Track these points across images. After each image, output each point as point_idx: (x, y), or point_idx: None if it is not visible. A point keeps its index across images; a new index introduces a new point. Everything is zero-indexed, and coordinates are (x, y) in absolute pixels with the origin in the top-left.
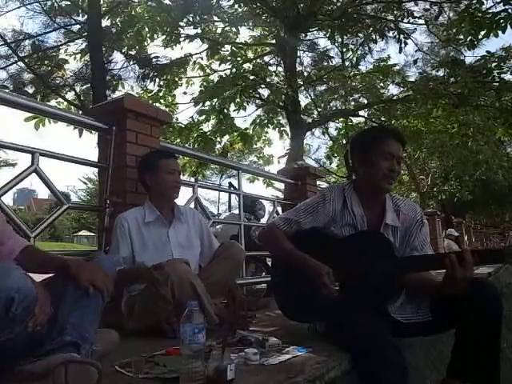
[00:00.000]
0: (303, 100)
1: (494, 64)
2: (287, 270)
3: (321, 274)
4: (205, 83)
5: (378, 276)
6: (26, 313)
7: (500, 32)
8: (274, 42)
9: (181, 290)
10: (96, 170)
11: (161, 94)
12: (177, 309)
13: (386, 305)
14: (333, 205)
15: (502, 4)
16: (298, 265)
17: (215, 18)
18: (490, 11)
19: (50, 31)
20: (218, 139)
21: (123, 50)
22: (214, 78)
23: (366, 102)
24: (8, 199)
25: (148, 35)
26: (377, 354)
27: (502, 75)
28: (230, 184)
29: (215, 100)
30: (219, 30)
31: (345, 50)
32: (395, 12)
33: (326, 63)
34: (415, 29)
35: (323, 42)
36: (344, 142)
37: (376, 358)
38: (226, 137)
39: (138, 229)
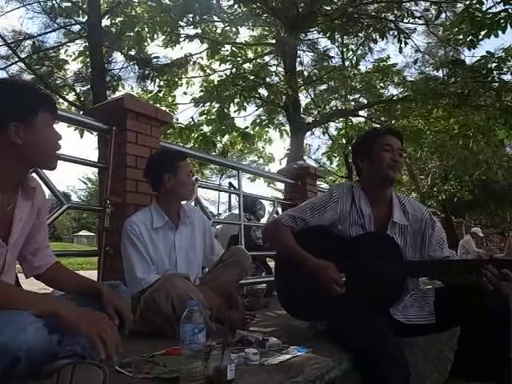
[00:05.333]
0: (303, 100)
1: (494, 64)
2: (290, 268)
3: (326, 272)
4: (205, 83)
5: (385, 277)
6: (32, 368)
7: (500, 32)
8: (274, 41)
9: (181, 306)
10: (96, 169)
11: (161, 94)
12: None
13: (390, 306)
14: (340, 203)
15: (502, 4)
16: (301, 264)
17: (215, 18)
18: (490, 11)
19: (50, 31)
20: (219, 138)
21: (123, 50)
22: (214, 78)
23: (365, 102)
24: None
25: (148, 35)
26: (382, 353)
27: (502, 76)
28: (230, 184)
29: (215, 102)
30: (219, 30)
31: (345, 49)
32: (395, 12)
33: (326, 63)
34: (415, 29)
35: (323, 42)
36: (344, 141)
37: (381, 357)
38: (227, 136)
39: (148, 234)
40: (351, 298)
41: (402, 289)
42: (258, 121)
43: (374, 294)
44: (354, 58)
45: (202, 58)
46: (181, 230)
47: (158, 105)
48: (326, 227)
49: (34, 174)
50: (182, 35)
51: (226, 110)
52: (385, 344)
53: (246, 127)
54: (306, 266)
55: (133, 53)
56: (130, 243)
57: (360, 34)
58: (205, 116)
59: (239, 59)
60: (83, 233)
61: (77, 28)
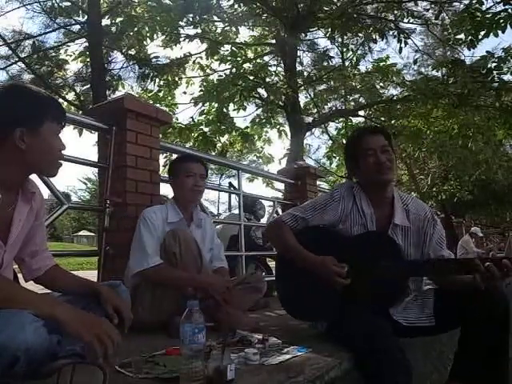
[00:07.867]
0: (303, 100)
1: (493, 64)
2: (291, 268)
3: (328, 265)
4: (205, 83)
5: (382, 277)
6: (31, 368)
7: (500, 32)
8: (274, 41)
9: (185, 245)
10: (96, 169)
11: (161, 94)
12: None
13: (391, 306)
14: (342, 203)
15: (501, 4)
16: (302, 262)
17: (215, 18)
18: (490, 11)
19: (50, 31)
20: (218, 138)
21: (123, 50)
22: (214, 77)
23: (365, 102)
24: None
25: (148, 35)
26: (385, 353)
27: (502, 76)
28: (230, 184)
29: (215, 102)
30: (219, 30)
31: (345, 49)
32: (395, 12)
33: (325, 63)
34: (415, 29)
35: (323, 42)
36: (344, 141)
37: (384, 357)
38: (226, 136)
39: (163, 226)
40: (351, 298)
41: (401, 289)
42: (258, 120)
43: (374, 294)
44: (354, 58)
45: (202, 58)
46: (193, 231)
47: (157, 104)
48: (326, 227)
49: (34, 176)
50: (182, 35)
51: (225, 110)
52: (387, 344)
53: (246, 127)
54: (306, 264)
55: (133, 52)
56: (144, 225)
57: (360, 34)
58: (204, 116)
59: (239, 59)
60: (83, 233)
61: (77, 28)
